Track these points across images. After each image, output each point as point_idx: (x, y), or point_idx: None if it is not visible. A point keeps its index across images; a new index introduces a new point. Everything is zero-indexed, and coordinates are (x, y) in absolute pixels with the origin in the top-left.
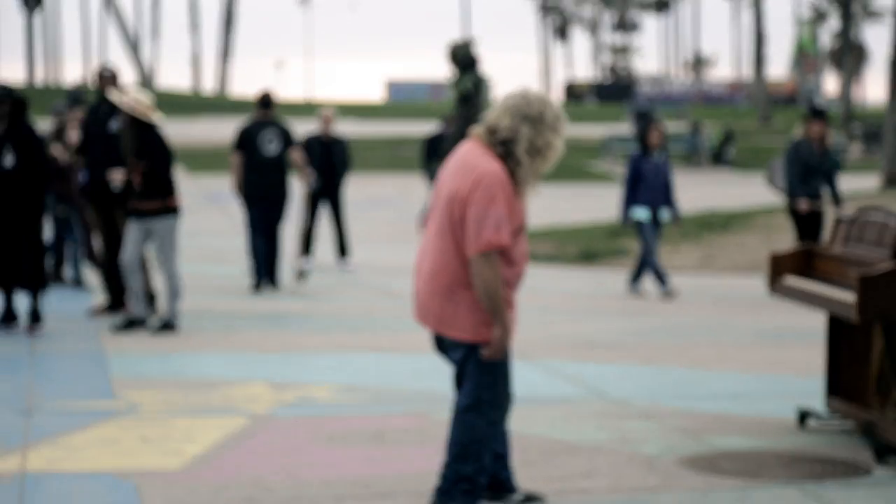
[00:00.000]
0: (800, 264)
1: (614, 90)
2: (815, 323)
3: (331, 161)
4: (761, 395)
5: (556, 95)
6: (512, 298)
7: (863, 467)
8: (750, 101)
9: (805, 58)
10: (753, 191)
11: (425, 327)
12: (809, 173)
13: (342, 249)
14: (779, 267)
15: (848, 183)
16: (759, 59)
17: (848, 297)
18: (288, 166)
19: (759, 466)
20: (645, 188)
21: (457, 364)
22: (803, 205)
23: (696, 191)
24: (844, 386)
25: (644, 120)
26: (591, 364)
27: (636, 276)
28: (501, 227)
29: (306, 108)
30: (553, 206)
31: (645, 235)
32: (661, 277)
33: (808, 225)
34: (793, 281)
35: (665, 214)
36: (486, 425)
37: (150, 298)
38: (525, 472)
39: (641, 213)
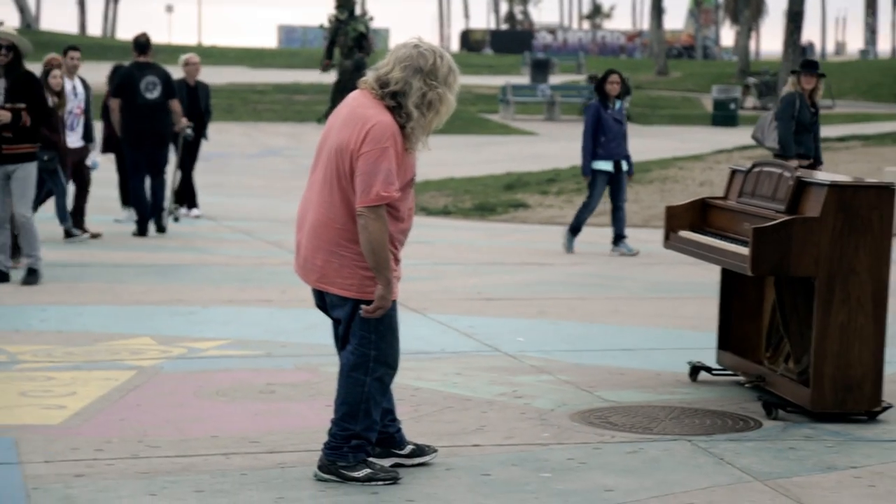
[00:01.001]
0: (695, 217)
1: (511, 39)
2: (711, 276)
3: (197, 107)
4: (654, 350)
5: (452, 44)
6: (398, 255)
7: (752, 420)
8: (647, 53)
9: (702, 9)
10: (649, 143)
11: (307, 283)
12: (804, 130)
13: (184, 197)
14: (673, 220)
15: (741, 137)
16: (657, 11)
17: (742, 250)
18: (168, 110)
19: (651, 420)
20: (606, 140)
21: (341, 322)
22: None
23: None
24: (736, 340)
25: (542, 69)
26: (484, 318)
27: (618, 237)
28: (392, 181)
29: (197, 54)
30: (448, 157)
31: (594, 191)
32: (574, 232)
33: None
34: (687, 234)
35: (625, 165)
36: (374, 382)
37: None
38: (416, 427)
39: (604, 166)
